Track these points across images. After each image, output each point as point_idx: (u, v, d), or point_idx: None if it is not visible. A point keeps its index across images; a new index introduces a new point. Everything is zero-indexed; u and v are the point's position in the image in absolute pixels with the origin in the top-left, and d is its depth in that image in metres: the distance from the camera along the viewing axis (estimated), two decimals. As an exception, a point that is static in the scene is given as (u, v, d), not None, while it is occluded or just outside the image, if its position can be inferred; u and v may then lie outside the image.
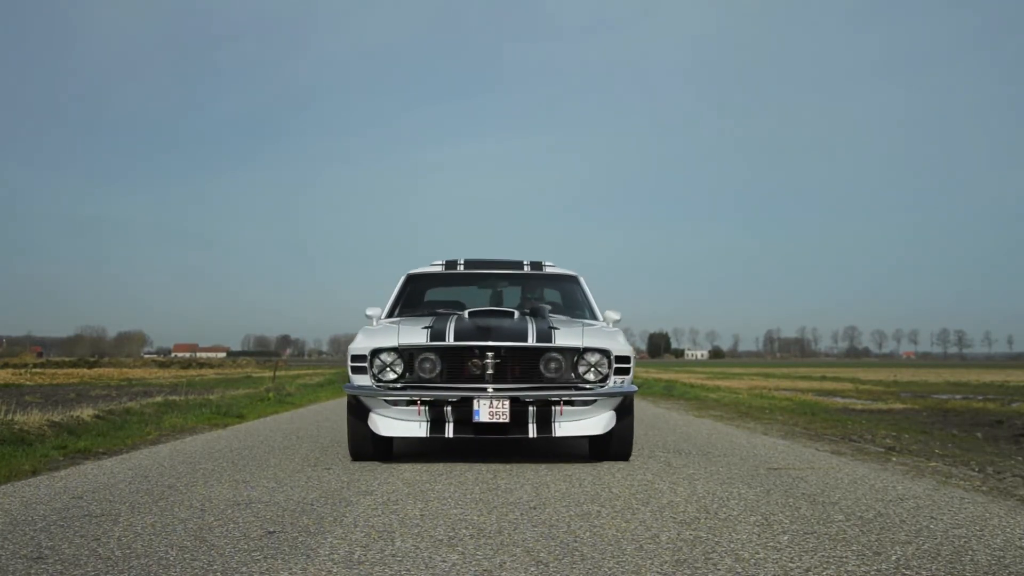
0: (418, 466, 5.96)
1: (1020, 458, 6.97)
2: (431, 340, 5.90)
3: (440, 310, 6.97)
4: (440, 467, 5.90)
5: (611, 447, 6.20)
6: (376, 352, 5.93)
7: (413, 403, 5.83)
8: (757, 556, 3.32)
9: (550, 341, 5.90)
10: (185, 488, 4.95)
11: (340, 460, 6.32)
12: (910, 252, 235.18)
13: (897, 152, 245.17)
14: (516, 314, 6.47)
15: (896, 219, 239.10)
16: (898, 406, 15.48)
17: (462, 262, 7.69)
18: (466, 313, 6.48)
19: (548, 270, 7.74)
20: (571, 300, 7.51)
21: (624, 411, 6.11)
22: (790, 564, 3.21)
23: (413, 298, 7.48)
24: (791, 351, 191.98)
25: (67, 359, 72.41)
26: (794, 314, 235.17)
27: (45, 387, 22.53)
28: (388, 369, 5.91)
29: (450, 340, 5.87)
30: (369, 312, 6.80)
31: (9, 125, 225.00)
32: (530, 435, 5.83)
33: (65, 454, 6.63)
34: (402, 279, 7.66)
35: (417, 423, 5.88)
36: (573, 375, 5.91)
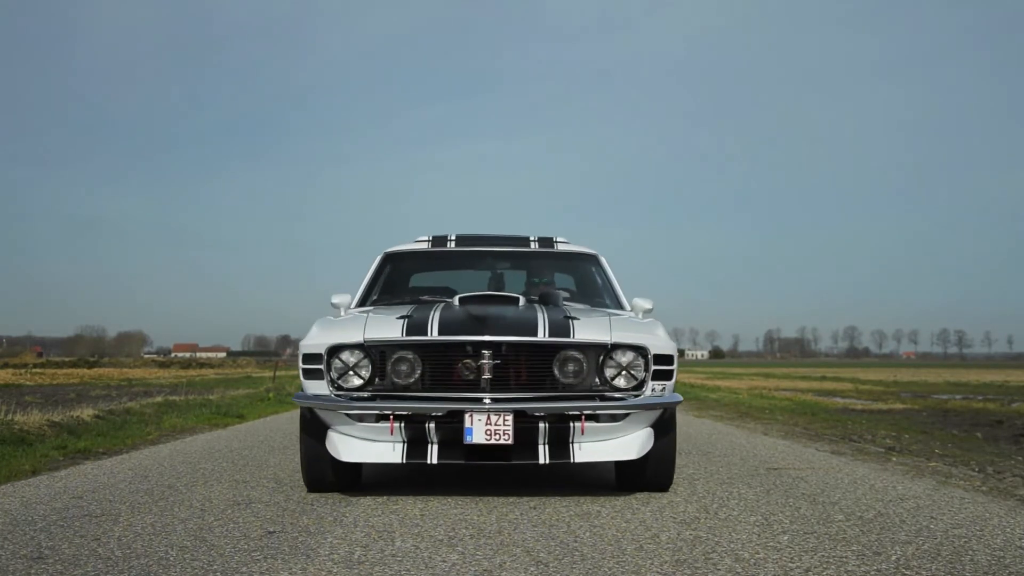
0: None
1: (1020, 458, 6.97)
2: (408, 334, 4.51)
3: (425, 297, 5.59)
4: (440, 467, 5.88)
5: (646, 474, 4.79)
6: (335, 350, 4.54)
7: (384, 418, 4.46)
8: (757, 556, 3.32)
9: (568, 335, 4.54)
10: (185, 488, 4.95)
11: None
12: (910, 252, 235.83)
13: (897, 152, 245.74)
14: (522, 300, 5.06)
15: (896, 219, 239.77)
16: (898, 406, 15.48)
17: (453, 238, 6.20)
18: (456, 299, 5.05)
19: (561, 247, 6.25)
20: (589, 285, 6.03)
21: (664, 428, 4.73)
22: (790, 564, 3.21)
23: (392, 283, 6.00)
24: (791, 351, 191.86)
25: (67, 359, 72.41)
26: (794, 314, 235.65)
27: (45, 387, 22.54)
28: (351, 373, 4.53)
29: (434, 334, 4.50)
30: (335, 300, 5.19)
31: (9, 125, 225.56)
32: (541, 460, 4.48)
33: (65, 454, 6.63)
34: (378, 259, 6.12)
35: (389, 445, 4.52)
36: (598, 380, 4.55)
